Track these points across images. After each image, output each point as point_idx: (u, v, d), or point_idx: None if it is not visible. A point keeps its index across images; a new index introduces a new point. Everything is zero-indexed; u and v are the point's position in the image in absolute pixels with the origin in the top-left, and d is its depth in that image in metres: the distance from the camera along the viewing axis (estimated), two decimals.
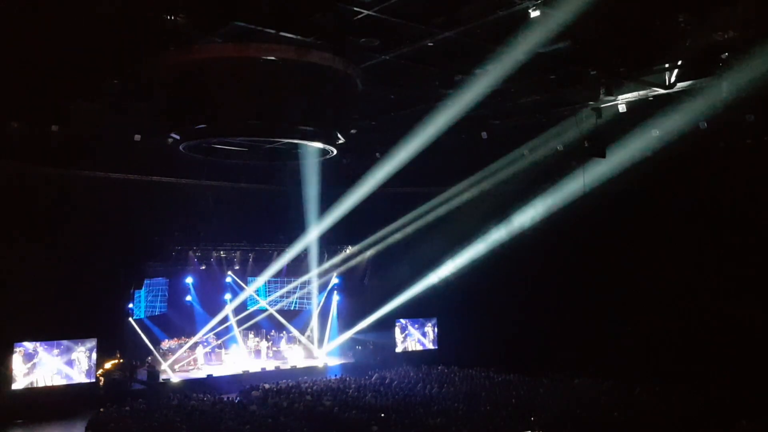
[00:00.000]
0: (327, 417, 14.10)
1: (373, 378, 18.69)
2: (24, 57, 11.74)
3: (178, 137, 13.93)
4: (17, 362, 16.65)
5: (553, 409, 14.15)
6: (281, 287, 24.18)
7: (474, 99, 13.89)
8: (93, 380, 17.70)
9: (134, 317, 20.12)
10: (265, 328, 23.78)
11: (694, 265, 17.30)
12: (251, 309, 23.32)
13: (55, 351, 17.23)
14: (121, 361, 19.15)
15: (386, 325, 22.74)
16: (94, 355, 17.75)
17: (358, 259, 23.26)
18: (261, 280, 23.28)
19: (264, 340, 23.15)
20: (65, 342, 17.37)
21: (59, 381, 17.23)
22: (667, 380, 16.29)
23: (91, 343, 17.74)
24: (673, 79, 13.10)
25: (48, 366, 17.08)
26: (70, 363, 17.44)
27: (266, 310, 23.56)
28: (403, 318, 22.98)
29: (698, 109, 13.86)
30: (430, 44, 11.58)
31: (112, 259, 18.20)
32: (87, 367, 17.65)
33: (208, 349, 21.59)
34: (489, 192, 19.83)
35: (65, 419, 15.56)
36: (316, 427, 13.42)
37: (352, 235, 22.54)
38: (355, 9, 10.13)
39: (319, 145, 14.21)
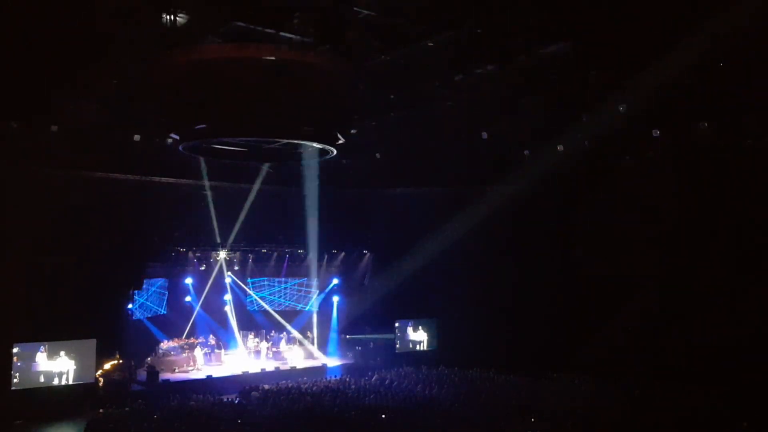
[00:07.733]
0: (327, 418, 14.06)
1: (373, 379, 18.63)
2: (24, 56, 11.72)
3: (177, 137, 13.92)
4: None
5: (554, 409, 14.12)
6: (281, 288, 24.14)
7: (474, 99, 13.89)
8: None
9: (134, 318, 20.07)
10: (265, 328, 23.74)
11: (695, 264, 17.27)
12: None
13: None
14: (121, 361, 19.11)
15: (386, 325, 22.70)
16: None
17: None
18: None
19: (264, 340, 23.09)
20: None
21: None
22: (667, 380, 16.26)
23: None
24: None
25: None
26: None
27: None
28: (403, 319, 22.93)
29: None
30: (430, 44, 11.57)
31: (112, 259, 18.14)
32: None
33: (207, 350, 21.54)
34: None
35: (65, 420, 15.50)
36: (316, 428, 13.38)
37: (351, 237, 22.46)
38: (356, 9, 10.11)
39: (318, 145, 14.19)
